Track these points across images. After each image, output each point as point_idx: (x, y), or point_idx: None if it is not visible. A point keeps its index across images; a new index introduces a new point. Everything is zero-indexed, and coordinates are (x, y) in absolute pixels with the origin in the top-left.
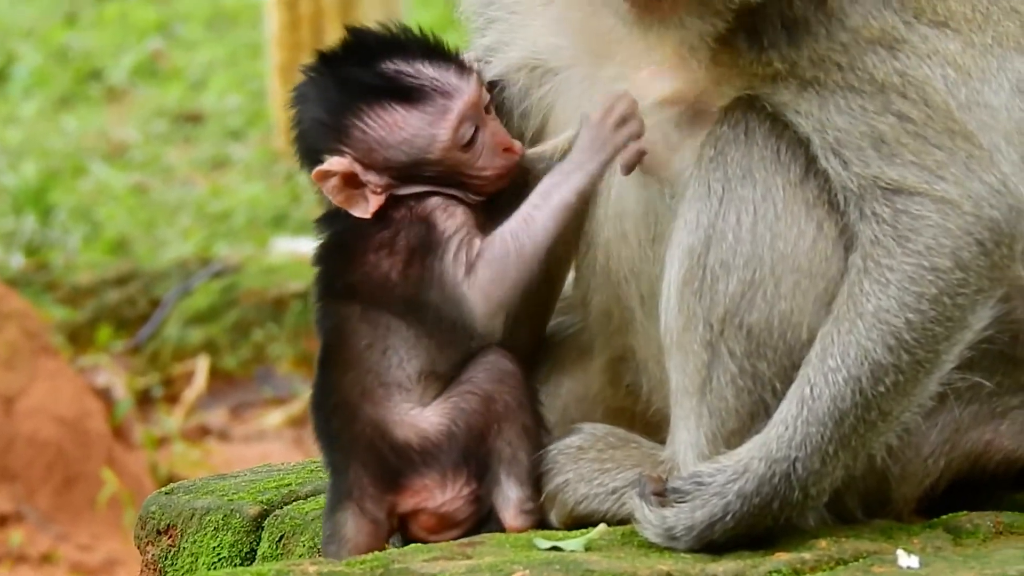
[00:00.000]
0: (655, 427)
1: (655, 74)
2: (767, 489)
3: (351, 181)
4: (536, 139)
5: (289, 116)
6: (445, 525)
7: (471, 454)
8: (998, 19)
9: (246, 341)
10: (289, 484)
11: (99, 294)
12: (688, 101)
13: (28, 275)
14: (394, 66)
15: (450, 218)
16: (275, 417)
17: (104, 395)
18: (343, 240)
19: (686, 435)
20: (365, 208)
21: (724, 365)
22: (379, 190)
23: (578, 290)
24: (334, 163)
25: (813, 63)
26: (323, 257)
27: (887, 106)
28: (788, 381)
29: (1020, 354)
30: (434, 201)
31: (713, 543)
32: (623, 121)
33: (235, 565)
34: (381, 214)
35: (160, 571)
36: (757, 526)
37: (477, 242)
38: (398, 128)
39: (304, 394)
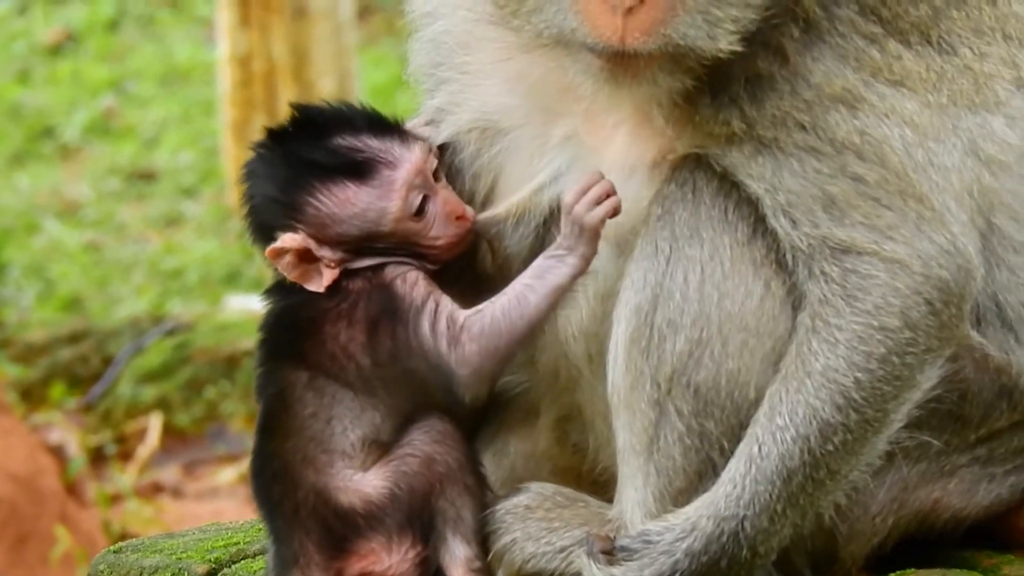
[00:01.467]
0: (603, 486)
1: (607, 133)
2: (715, 547)
3: (305, 256)
4: (487, 200)
5: (239, 192)
6: None
7: (415, 516)
8: (952, 77)
9: (199, 398)
10: (238, 543)
11: (52, 352)
12: (639, 159)
13: None
14: (343, 141)
15: (413, 287)
16: (228, 474)
17: (57, 452)
18: (296, 310)
19: (633, 493)
20: (319, 282)
21: (671, 424)
22: (333, 264)
23: (526, 349)
24: (287, 240)
25: (775, 122)
26: (272, 324)
27: (843, 168)
28: (736, 440)
29: (968, 412)
30: (391, 270)
31: None
32: (599, 200)
33: None
34: (336, 286)
35: None
36: None
37: (460, 315)
38: (349, 204)
39: None
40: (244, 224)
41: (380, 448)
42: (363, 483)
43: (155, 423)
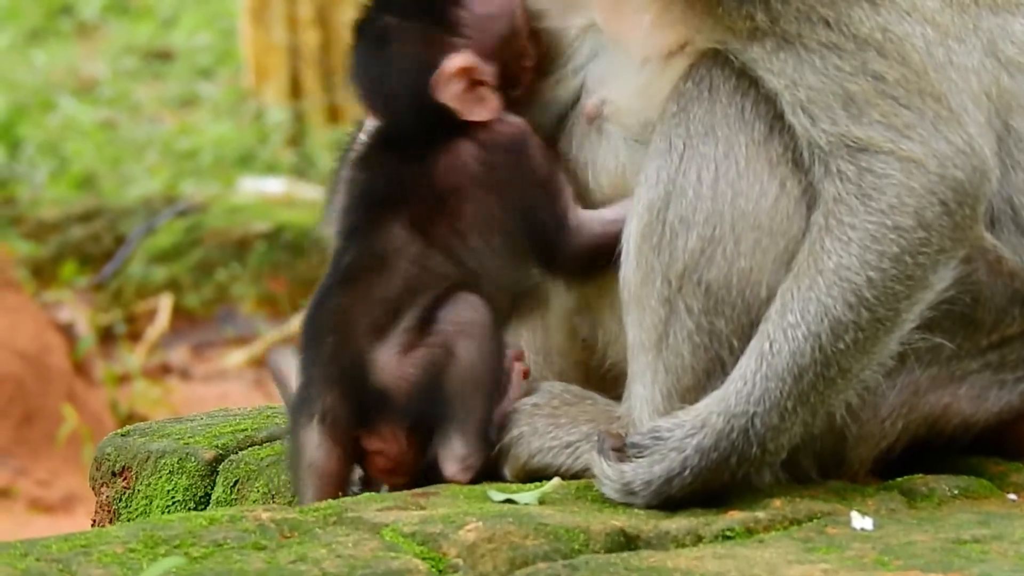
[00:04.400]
0: (611, 383)
1: (628, 23)
2: (725, 444)
3: (471, 81)
4: None
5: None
6: (398, 472)
7: (432, 407)
8: None
9: (209, 280)
10: (245, 429)
11: (64, 230)
12: (658, 50)
13: None
14: None
15: (543, 156)
16: (236, 357)
17: (66, 331)
18: (433, 174)
19: (642, 390)
20: (485, 109)
21: (681, 321)
22: (494, 85)
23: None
24: (457, 60)
25: (799, 16)
26: (397, 181)
27: (864, 66)
28: (745, 339)
29: (980, 317)
30: (517, 125)
31: (671, 498)
32: None
33: (189, 509)
34: (479, 154)
35: (114, 512)
36: (714, 482)
37: (578, 211)
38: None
39: (266, 335)
40: (385, 76)
41: (421, 330)
42: (401, 367)
43: (165, 304)
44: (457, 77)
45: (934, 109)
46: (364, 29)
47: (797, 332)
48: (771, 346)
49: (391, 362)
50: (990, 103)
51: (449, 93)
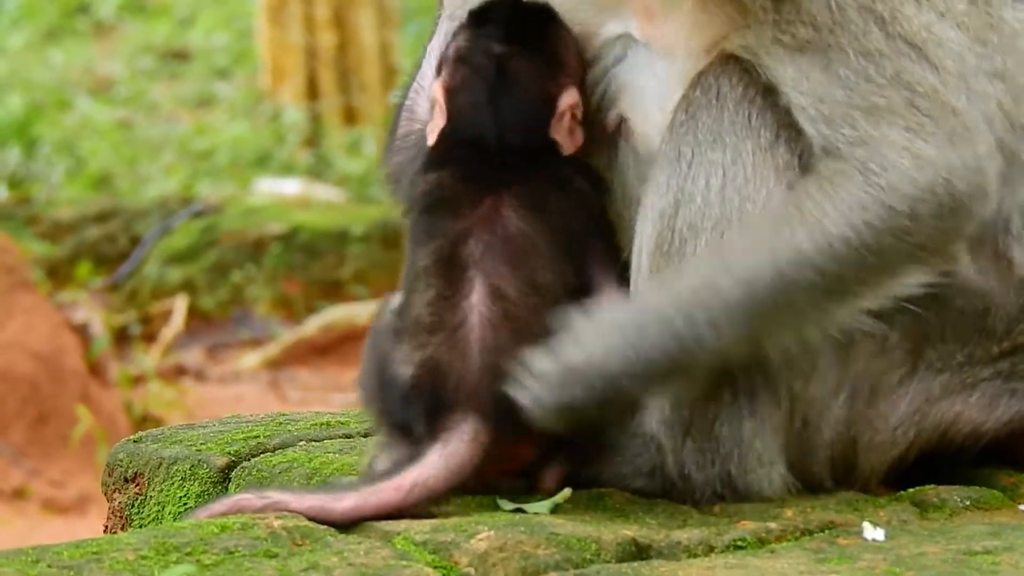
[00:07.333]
0: None
1: (663, 31)
2: (669, 332)
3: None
4: None
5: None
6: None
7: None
8: None
9: (224, 282)
10: (257, 436)
11: (80, 230)
12: (688, 55)
13: (9, 208)
14: None
15: None
16: (251, 359)
17: (81, 331)
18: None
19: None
20: (574, 145)
21: None
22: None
23: None
24: (571, 97)
25: (856, 16)
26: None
27: (898, 76)
28: None
29: (991, 325)
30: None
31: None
32: None
33: None
34: None
35: (126, 519)
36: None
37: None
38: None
39: (280, 337)
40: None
41: None
42: None
43: (180, 305)
44: (570, 113)
45: (952, 124)
46: (479, 58)
47: (762, 245)
48: (730, 250)
49: None
50: (1005, 117)
51: (561, 128)
